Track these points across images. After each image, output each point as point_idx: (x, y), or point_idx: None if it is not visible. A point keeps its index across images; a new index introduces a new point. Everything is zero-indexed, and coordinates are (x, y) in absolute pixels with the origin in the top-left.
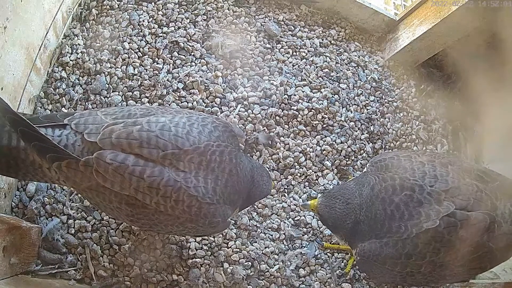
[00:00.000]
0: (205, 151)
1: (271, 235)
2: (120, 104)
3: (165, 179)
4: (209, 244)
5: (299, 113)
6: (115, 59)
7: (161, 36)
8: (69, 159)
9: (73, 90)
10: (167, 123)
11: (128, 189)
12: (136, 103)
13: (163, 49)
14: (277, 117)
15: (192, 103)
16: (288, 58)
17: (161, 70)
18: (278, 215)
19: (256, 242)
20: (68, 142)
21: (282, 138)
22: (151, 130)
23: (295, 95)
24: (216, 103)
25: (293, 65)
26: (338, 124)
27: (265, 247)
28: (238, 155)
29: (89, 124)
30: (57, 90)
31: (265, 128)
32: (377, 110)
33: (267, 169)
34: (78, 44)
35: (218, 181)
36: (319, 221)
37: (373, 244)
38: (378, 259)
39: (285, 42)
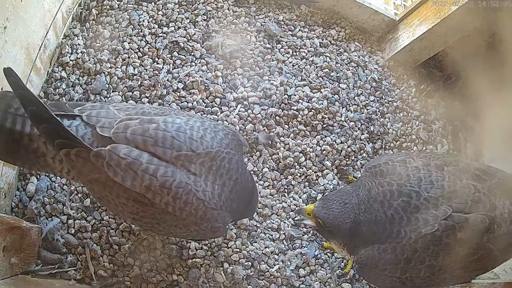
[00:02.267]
0: (216, 156)
1: (271, 235)
2: None
3: (177, 180)
4: (209, 244)
5: (299, 113)
6: (115, 59)
7: (161, 36)
8: (79, 147)
9: (73, 90)
10: (182, 125)
11: (140, 187)
12: (136, 103)
13: (163, 49)
14: (277, 117)
15: (192, 103)
16: (288, 58)
17: (161, 70)
18: (278, 215)
19: (256, 242)
20: (77, 134)
21: (282, 138)
22: (167, 130)
23: (295, 95)
24: (216, 103)
25: (293, 65)
26: (338, 124)
27: (265, 247)
28: (243, 166)
29: (102, 118)
30: (57, 90)
31: (265, 128)
32: (377, 110)
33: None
34: (78, 44)
35: (225, 188)
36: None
37: (370, 251)
38: (377, 265)
39: (285, 42)
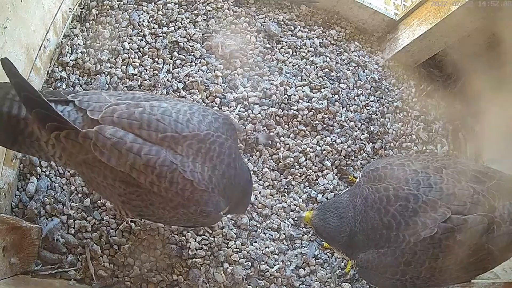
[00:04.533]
0: (205, 139)
1: (271, 235)
2: None
3: (161, 158)
4: (209, 244)
5: (299, 113)
6: (115, 59)
7: (161, 36)
8: (69, 129)
9: (73, 90)
10: (169, 109)
11: (124, 166)
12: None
13: (163, 49)
14: (277, 117)
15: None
16: (288, 58)
17: (161, 70)
18: (278, 215)
19: (256, 242)
20: (69, 119)
21: (282, 138)
22: (153, 114)
23: (295, 95)
24: (216, 103)
25: (293, 65)
26: (338, 124)
27: (265, 247)
28: (237, 152)
29: (92, 102)
30: (57, 90)
31: (265, 128)
32: (377, 110)
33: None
34: (78, 44)
35: (215, 171)
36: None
37: (370, 254)
38: (378, 268)
39: (285, 42)
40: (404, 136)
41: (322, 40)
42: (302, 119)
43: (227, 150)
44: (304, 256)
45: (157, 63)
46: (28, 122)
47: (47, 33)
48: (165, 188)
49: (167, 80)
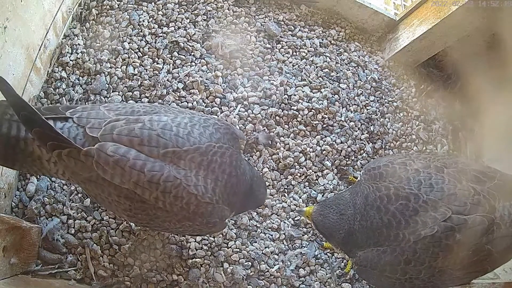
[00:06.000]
0: (207, 152)
1: (271, 235)
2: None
3: (165, 174)
4: (209, 244)
5: (299, 113)
6: (115, 59)
7: (161, 36)
8: (70, 148)
9: (73, 90)
10: (169, 123)
11: (128, 183)
12: (136, 103)
13: (163, 49)
14: (277, 117)
15: (192, 103)
16: (288, 58)
17: (161, 70)
18: (278, 215)
19: (256, 242)
20: (70, 135)
21: (282, 138)
22: (153, 129)
23: (295, 95)
24: (216, 103)
25: (293, 65)
26: (338, 124)
27: (265, 247)
28: (239, 158)
29: (91, 119)
30: (57, 90)
31: (265, 128)
32: (377, 110)
33: (265, 181)
34: (78, 44)
35: (218, 182)
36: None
37: (369, 253)
38: (377, 267)
39: (285, 42)
40: (404, 136)
41: (322, 40)
42: (302, 119)
43: (228, 159)
44: (304, 256)
45: (157, 63)
46: (28, 142)
47: (47, 33)
48: (170, 203)
49: (167, 80)
